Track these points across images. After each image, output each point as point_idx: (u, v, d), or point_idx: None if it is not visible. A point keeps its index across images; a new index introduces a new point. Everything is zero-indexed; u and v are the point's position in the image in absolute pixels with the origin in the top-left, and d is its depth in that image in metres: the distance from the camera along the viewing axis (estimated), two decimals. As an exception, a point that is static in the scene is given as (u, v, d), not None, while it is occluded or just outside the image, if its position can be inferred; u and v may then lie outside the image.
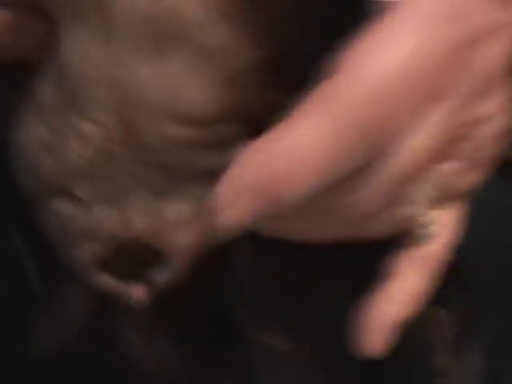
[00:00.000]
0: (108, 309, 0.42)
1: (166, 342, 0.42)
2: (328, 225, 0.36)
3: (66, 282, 0.42)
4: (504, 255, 0.74)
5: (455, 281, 0.59)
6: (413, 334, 0.40)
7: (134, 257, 0.35)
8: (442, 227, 0.37)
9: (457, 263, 0.57)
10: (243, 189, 0.31)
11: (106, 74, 0.32)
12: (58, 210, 0.34)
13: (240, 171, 0.31)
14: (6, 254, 0.42)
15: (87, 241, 0.34)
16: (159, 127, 0.32)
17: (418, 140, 0.33)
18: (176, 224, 0.34)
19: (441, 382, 0.48)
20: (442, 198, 0.36)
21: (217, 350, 0.43)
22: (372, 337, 0.36)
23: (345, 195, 0.34)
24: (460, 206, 0.38)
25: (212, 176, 0.32)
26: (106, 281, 0.36)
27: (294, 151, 0.30)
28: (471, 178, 0.36)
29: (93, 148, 0.33)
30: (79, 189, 0.34)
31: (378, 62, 0.30)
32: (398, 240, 0.37)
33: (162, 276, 0.35)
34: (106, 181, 0.33)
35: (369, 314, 0.36)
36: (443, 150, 0.34)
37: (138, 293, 0.36)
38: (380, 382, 0.45)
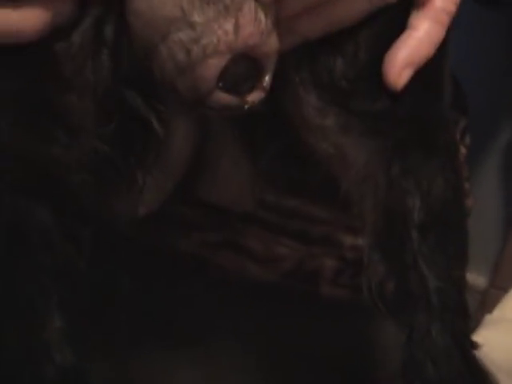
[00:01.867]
0: None
1: None
2: None
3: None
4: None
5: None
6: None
7: (245, 69, 0.42)
8: None
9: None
10: None
11: None
12: (181, 38, 0.41)
13: None
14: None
15: (209, 57, 0.41)
16: None
17: None
18: (270, 32, 0.42)
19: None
20: None
21: None
22: (392, 73, 0.46)
23: None
24: None
25: None
26: (223, 96, 0.43)
27: None
28: None
29: None
30: (197, 13, 0.40)
31: None
32: None
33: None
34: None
35: (388, 56, 0.46)
36: None
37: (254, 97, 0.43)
38: None
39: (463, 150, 0.79)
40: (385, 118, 0.50)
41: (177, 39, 0.41)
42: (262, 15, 0.42)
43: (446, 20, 0.47)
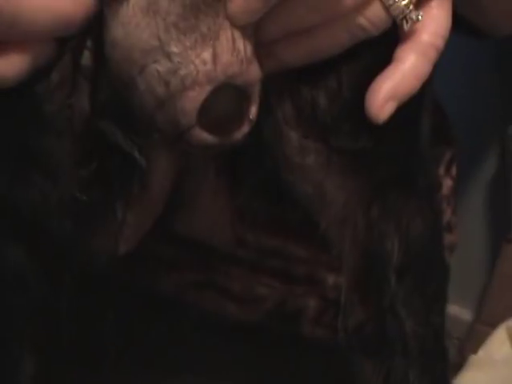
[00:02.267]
0: None
1: None
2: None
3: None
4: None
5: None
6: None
7: (229, 103, 0.43)
8: (428, 20, 0.46)
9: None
10: None
11: None
12: (159, 70, 0.41)
13: None
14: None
15: (189, 88, 0.41)
16: None
17: None
18: (250, 60, 0.43)
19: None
20: None
21: None
22: (374, 105, 0.45)
23: None
24: (442, 4, 0.47)
25: None
26: (204, 135, 0.43)
27: None
28: None
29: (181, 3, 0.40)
30: (174, 43, 0.41)
31: None
32: None
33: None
34: (197, 28, 0.41)
35: (372, 88, 0.46)
36: None
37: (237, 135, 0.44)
38: None
39: (449, 183, 0.79)
40: (366, 157, 0.49)
41: (154, 71, 0.41)
42: (240, 44, 0.42)
43: (433, 55, 0.47)
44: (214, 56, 0.41)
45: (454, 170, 0.79)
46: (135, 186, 0.48)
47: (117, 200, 0.48)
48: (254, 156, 0.50)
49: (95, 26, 0.42)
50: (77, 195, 0.46)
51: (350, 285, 0.52)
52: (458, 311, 1.18)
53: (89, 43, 0.43)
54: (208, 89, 0.41)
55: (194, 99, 0.42)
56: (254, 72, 0.43)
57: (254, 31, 0.43)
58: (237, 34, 0.42)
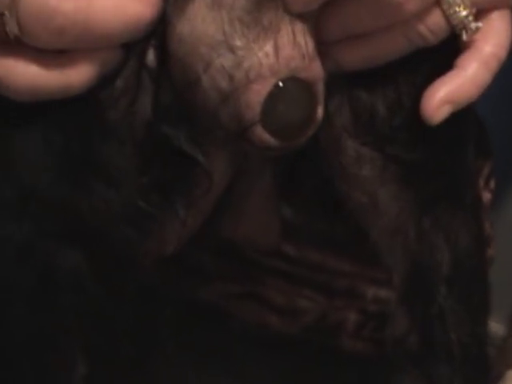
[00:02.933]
0: None
1: None
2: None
3: None
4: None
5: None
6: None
7: (290, 100, 0.44)
8: (490, 30, 0.47)
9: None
10: None
11: None
12: (223, 64, 0.42)
13: None
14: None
15: (253, 82, 0.42)
16: None
17: None
18: (312, 56, 0.44)
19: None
20: (479, 2, 0.46)
21: None
22: (430, 106, 0.46)
23: None
24: (505, 15, 0.48)
25: None
26: (266, 137, 0.44)
27: None
28: None
29: None
30: (238, 36, 0.42)
31: None
32: None
33: None
34: (259, 21, 0.42)
35: (430, 89, 0.46)
36: None
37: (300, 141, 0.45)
38: None
39: (488, 196, 0.79)
40: (419, 168, 0.50)
41: (219, 66, 0.42)
42: (301, 38, 0.43)
43: (494, 65, 0.47)
44: (276, 49, 0.42)
45: (492, 184, 0.79)
46: (198, 188, 0.49)
47: (178, 202, 0.49)
48: (311, 162, 0.51)
49: (159, 27, 0.43)
50: (139, 203, 0.47)
51: (400, 296, 0.53)
52: (493, 326, 1.17)
53: (153, 44, 0.44)
54: (272, 82, 0.43)
55: (258, 92, 0.43)
56: (317, 68, 0.44)
57: (315, 30, 0.44)
58: (297, 29, 0.43)
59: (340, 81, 0.47)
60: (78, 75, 0.42)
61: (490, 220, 0.78)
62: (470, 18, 0.46)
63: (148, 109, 0.45)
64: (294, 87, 0.44)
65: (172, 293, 0.65)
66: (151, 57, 0.44)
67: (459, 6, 0.45)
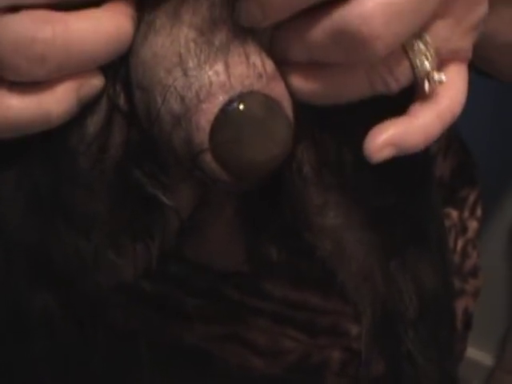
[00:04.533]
0: None
1: None
2: None
3: None
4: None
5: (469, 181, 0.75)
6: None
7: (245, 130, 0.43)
8: (449, 84, 0.47)
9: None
10: None
11: None
12: (176, 87, 0.43)
13: None
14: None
15: (203, 101, 0.43)
16: None
17: None
18: (272, 77, 0.44)
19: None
20: (442, 53, 0.46)
21: None
22: (372, 145, 0.45)
23: None
24: (462, 70, 0.48)
25: None
26: (214, 166, 0.44)
27: None
28: (462, 35, 0.46)
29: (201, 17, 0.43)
30: (191, 58, 0.43)
31: None
32: None
33: None
34: (211, 42, 0.43)
35: (377, 128, 0.46)
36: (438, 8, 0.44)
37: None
38: None
39: (475, 225, 0.80)
40: (386, 213, 0.51)
41: (173, 89, 0.43)
42: (256, 59, 0.44)
43: (447, 120, 0.47)
44: (227, 67, 0.43)
45: (478, 211, 0.80)
46: (168, 228, 0.50)
47: (149, 244, 0.50)
48: (274, 204, 0.51)
49: (127, 63, 0.44)
50: (108, 252, 0.48)
51: (370, 338, 0.53)
52: (479, 356, 1.17)
53: (123, 81, 0.45)
54: (222, 99, 0.43)
55: (207, 111, 0.43)
56: (279, 89, 0.45)
57: (278, 49, 0.45)
58: (251, 49, 0.44)
59: (304, 124, 0.47)
60: (56, 103, 0.43)
61: (478, 250, 0.78)
62: (435, 69, 0.46)
63: (120, 152, 0.46)
64: (250, 106, 0.44)
65: (154, 336, 0.66)
66: (122, 96, 0.45)
67: (425, 57, 0.45)
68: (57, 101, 0.43)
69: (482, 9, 0.47)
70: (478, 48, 0.49)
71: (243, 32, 0.44)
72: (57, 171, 0.46)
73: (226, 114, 0.43)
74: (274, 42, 0.45)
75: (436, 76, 0.46)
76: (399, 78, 0.45)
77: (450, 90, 0.47)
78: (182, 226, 0.52)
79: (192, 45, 0.43)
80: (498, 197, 1.16)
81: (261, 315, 0.66)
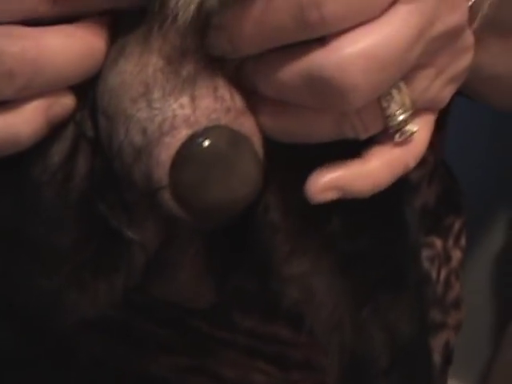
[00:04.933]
0: None
1: None
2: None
3: None
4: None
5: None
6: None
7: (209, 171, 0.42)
8: (416, 135, 0.44)
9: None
10: None
11: None
12: (139, 118, 0.41)
13: None
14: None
15: (165, 134, 0.41)
16: None
17: None
18: (241, 111, 0.42)
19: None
20: (418, 104, 0.44)
21: None
22: (313, 187, 0.43)
23: None
24: (430, 122, 0.46)
25: None
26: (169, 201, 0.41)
27: None
28: (442, 86, 0.45)
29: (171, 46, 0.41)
30: (157, 89, 0.41)
31: None
32: None
33: None
34: (178, 73, 0.41)
35: (322, 170, 0.44)
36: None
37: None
38: None
39: (458, 254, 0.78)
40: (357, 258, 0.49)
41: (136, 120, 0.41)
42: (224, 92, 0.42)
43: (399, 171, 0.45)
44: (193, 100, 0.41)
45: (463, 241, 0.78)
46: (134, 263, 0.48)
47: (114, 278, 0.48)
48: (242, 244, 0.49)
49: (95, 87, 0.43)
50: (71, 288, 0.46)
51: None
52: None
53: (90, 107, 0.43)
54: (185, 133, 0.41)
55: (169, 145, 0.41)
56: (248, 124, 0.43)
57: (244, 83, 0.43)
58: (220, 82, 0.42)
59: (273, 164, 0.45)
60: (25, 124, 0.41)
61: (460, 281, 0.77)
62: (408, 120, 0.44)
63: (84, 182, 0.44)
64: (215, 142, 0.42)
65: (120, 365, 0.64)
66: (89, 123, 0.43)
67: (400, 108, 0.43)
68: (25, 121, 0.41)
69: (468, 58, 0.45)
70: (464, 81, 0.47)
71: (212, 63, 0.42)
72: (20, 201, 0.44)
73: (188, 149, 0.41)
74: (243, 72, 0.43)
75: (408, 127, 0.44)
76: (369, 127, 0.44)
77: (410, 142, 0.45)
78: (148, 262, 0.50)
79: (159, 74, 0.41)
80: (482, 226, 1.15)
81: (230, 347, 0.64)
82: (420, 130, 0.45)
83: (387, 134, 0.44)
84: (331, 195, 0.44)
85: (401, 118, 0.43)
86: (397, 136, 0.44)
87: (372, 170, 0.44)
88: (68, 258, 0.45)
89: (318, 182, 0.44)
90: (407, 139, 0.45)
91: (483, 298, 1.17)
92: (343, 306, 0.49)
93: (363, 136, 0.44)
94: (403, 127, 0.44)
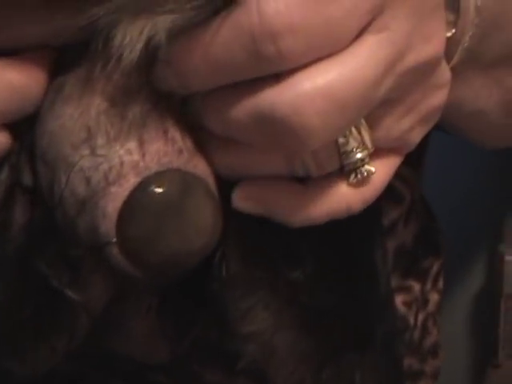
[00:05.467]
0: None
1: None
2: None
3: None
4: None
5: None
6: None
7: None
8: (373, 178, 0.41)
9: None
10: None
11: None
12: (82, 167, 0.38)
13: None
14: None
15: (111, 184, 0.38)
16: None
17: None
18: (193, 153, 0.39)
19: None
20: (380, 143, 0.41)
21: None
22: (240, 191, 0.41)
23: None
24: (391, 164, 0.43)
25: None
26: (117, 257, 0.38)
27: None
28: (410, 126, 0.41)
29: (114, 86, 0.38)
30: (101, 134, 0.38)
31: None
32: None
33: None
34: (124, 116, 0.38)
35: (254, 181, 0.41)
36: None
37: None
38: None
39: (436, 297, 0.75)
40: (321, 313, 0.46)
41: (78, 169, 0.38)
42: (176, 133, 0.39)
43: (337, 210, 0.42)
44: (141, 144, 0.38)
45: (440, 283, 0.76)
46: (76, 324, 0.45)
47: (55, 340, 0.45)
48: (197, 298, 0.46)
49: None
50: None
51: None
52: None
53: (28, 153, 0.41)
54: (133, 182, 0.38)
55: (116, 196, 0.38)
56: (201, 166, 0.40)
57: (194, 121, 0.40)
58: (170, 122, 0.39)
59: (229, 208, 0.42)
60: None
61: (438, 325, 0.74)
62: (366, 160, 0.41)
63: (22, 235, 0.41)
64: (167, 189, 0.38)
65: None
66: (27, 169, 0.41)
67: (358, 147, 0.40)
68: None
69: (442, 95, 0.42)
70: (443, 117, 0.44)
71: (160, 103, 0.39)
72: None
73: (137, 199, 0.38)
74: (190, 108, 0.40)
75: (365, 168, 0.41)
76: (323, 165, 0.41)
77: (363, 183, 0.42)
78: (96, 320, 0.47)
79: (103, 118, 0.38)
80: (462, 265, 1.13)
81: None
82: (378, 171, 0.42)
83: (342, 171, 0.41)
84: (253, 208, 0.41)
85: (359, 156, 0.40)
86: (352, 176, 0.41)
87: (304, 199, 0.41)
88: (3, 320, 0.43)
89: (245, 188, 0.41)
90: (363, 180, 0.41)
91: (461, 341, 1.15)
92: (304, 367, 0.46)
93: (315, 174, 0.40)
94: (360, 167, 0.40)
